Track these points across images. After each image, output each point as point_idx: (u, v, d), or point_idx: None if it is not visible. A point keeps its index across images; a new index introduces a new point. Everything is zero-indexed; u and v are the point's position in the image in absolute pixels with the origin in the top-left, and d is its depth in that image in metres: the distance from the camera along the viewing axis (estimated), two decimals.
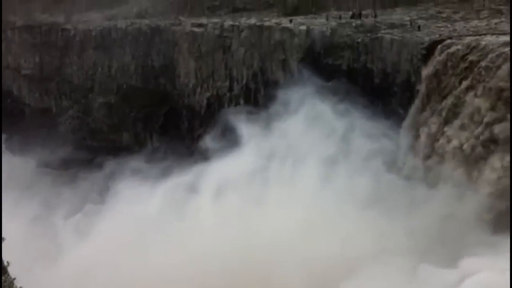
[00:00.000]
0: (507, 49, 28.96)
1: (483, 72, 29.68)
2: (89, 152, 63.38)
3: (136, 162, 47.45)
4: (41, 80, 73.93)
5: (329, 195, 31.53)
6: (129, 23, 64.71)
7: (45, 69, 73.31)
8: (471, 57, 31.22)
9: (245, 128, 39.03)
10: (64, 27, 71.73)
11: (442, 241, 25.86)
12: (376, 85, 39.01)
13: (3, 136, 68.57)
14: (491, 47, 30.59)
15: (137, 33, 62.37)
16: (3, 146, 67.35)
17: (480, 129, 28.32)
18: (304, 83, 39.52)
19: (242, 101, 49.90)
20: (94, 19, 70.91)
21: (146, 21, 63.80)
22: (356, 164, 33.12)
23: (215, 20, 55.49)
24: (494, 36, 33.03)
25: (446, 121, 31.25)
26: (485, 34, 33.90)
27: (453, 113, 30.97)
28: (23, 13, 78.48)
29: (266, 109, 41.14)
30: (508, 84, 27.25)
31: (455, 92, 31.32)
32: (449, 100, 31.48)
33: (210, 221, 32.28)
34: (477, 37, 33.16)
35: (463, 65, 31.62)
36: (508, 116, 26.88)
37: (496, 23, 38.02)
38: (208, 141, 42.55)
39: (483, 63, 29.97)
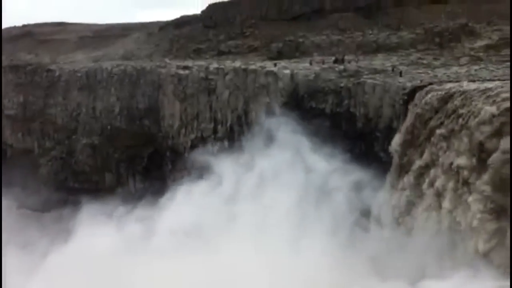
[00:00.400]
0: (465, 110, 24.10)
1: (440, 144, 25.32)
2: (70, 193, 62.74)
3: (113, 202, 47.35)
4: (24, 120, 73.57)
5: (298, 240, 31.50)
6: (115, 65, 65.03)
7: (29, 109, 73.08)
8: (432, 122, 26.64)
9: (222, 167, 39.72)
10: (49, 68, 71.95)
11: (403, 271, 25.11)
12: (359, 129, 39.18)
13: None
14: (450, 106, 25.55)
15: (122, 74, 62.65)
16: None
17: (441, 215, 24.15)
18: (288, 126, 39.72)
19: (226, 143, 49.91)
20: (79, 60, 71.34)
21: (132, 63, 64.21)
22: (331, 206, 33.03)
23: (200, 62, 55.98)
24: (471, 83, 29.53)
25: (411, 204, 27.40)
26: (462, 81, 33.19)
27: (416, 193, 26.97)
28: (8, 53, 78.71)
29: (248, 150, 41.35)
30: (468, 162, 22.66)
31: (414, 168, 27.23)
32: (411, 177, 27.41)
33: (162, 260, 31.90)
34: (455, 84, 30.17)
35: (424, 132, 27.13)
36: (470, 199, 22.08)
37: (476, 70, 38.57)
38: (185, 182, 42.76)
39: (438, 131, 25.45)
